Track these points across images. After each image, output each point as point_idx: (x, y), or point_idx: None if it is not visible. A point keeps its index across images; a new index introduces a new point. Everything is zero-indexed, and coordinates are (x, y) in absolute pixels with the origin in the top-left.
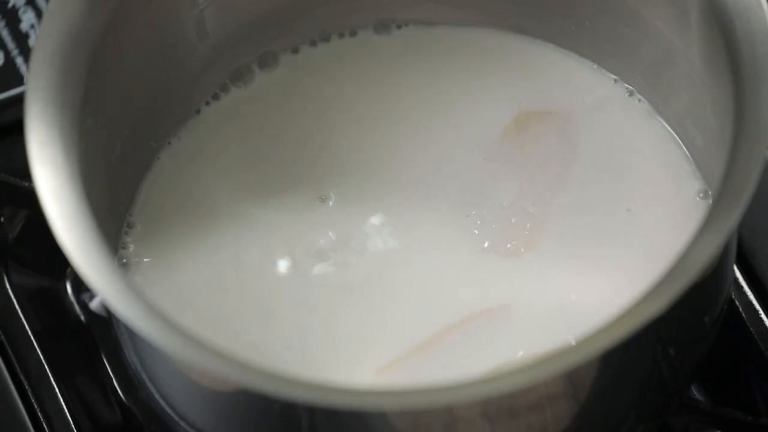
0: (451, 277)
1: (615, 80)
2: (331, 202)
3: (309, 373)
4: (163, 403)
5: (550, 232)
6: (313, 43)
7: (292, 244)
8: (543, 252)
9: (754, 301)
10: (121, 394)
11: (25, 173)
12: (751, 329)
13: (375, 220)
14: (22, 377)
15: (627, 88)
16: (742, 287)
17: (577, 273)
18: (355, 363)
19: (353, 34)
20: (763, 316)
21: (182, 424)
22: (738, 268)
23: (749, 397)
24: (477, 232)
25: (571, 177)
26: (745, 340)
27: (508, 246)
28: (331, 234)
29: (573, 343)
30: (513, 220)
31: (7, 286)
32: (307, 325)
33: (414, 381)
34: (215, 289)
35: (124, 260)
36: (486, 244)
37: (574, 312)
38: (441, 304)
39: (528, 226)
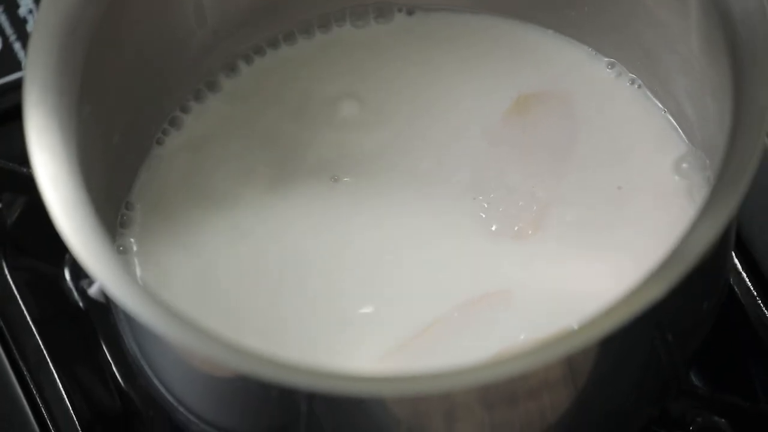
0: (458, 261)
1: (615, 66)
2: (334, 189)
3: (311, 358)
4: (162, 389)
5: (555, 214)
6: (313, 30)
7: (292, 230)
8: (548, 235)
9: (753, 288)
10: (120, 380)
11: (24, 159)
12: (750, 316)
13: (380, 205)
14: (21, 364)
15: (626, 74)
16: (740, 274)
17: (580, 257)
18: (358, 348)
19: (354, 20)
20: (761, 302)
21: (181, 409)
22: (737, 254)
23: (748, 383)
24: (484, 215)
25: (573, 160)
26: (743, 326)
27: (516, 228)
28: (332, 219)
29: (575, 327)
30: (520, 203)
31: (6, 272)
32: (309, 309)
33: (417, 366)
34: (214, 274)
35: (123, 246)
36: (494, 227)
37: (576, 296)
38: (446, 288)
39: (534, 208)
